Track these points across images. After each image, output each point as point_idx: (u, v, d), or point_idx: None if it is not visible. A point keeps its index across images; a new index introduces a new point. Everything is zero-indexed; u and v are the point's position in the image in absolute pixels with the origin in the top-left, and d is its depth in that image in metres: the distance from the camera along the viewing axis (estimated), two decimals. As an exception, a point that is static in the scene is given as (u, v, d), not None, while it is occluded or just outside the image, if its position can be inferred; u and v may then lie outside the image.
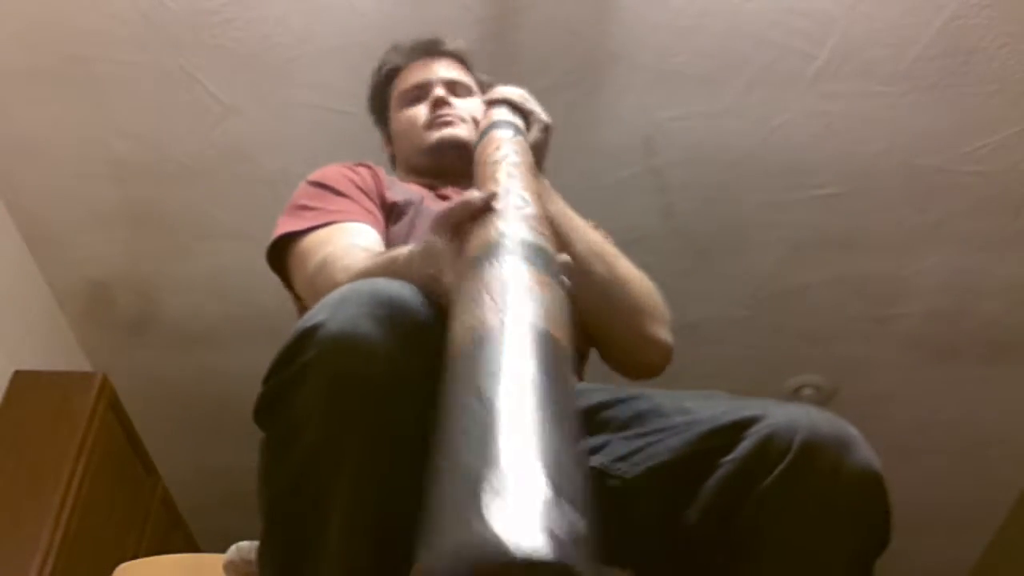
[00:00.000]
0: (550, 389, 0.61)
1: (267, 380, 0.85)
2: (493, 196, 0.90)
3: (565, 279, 0.82)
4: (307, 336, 0.81)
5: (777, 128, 2.07)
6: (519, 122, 1.18)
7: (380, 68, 1.51)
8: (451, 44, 1.48)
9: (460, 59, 1.48)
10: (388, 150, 1.52)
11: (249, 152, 2.13)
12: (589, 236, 1.24)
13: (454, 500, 0.52)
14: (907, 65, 1.94)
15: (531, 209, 0.89)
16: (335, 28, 1.93)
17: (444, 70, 1.44)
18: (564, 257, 0.88)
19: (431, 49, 1.47)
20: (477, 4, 1.84)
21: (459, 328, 0.70)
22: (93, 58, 1.96)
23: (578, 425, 0.62)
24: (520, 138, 1.13)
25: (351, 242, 1.14)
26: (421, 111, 1.39)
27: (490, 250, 0.79)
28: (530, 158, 1.10)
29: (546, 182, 1.27)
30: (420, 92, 1.42)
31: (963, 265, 2.31)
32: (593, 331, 1.27)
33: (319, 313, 0.82)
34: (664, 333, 1.25)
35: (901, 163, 2.11)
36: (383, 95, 1.50)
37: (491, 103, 1.21)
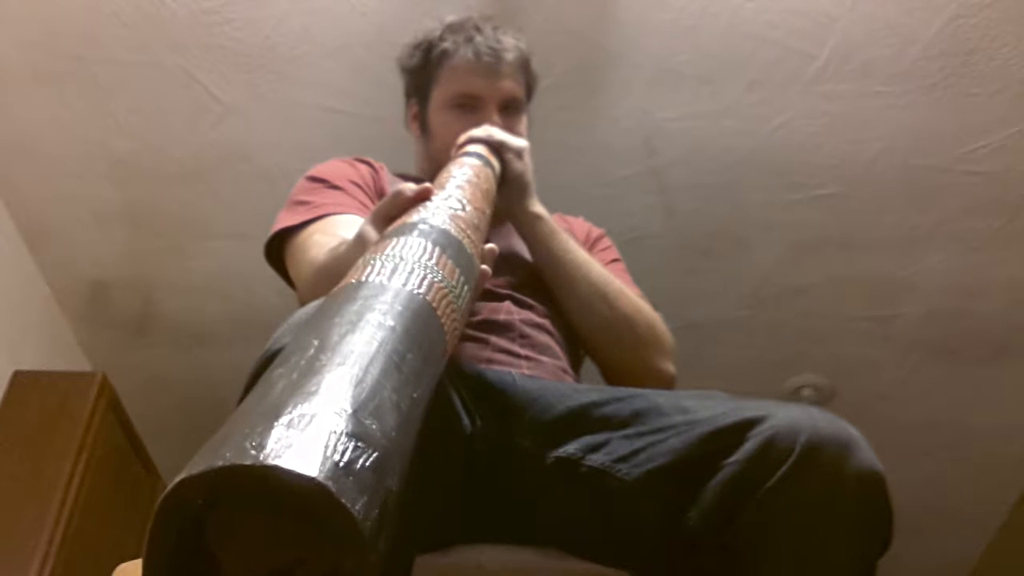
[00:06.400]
0: (398, 348, 0.58)
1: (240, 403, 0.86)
2: (427, 191, 0.91)
3: (476, 282, 0.83)
4: (273, 359, 0.82)
5: (777, 128, 2.07)
6: (492, 159, 1.18)
7: (432, 45, 1.39)
8: (513, 51, 1.37)
9: (521, 66, 1.39)
10: (414, 127, 1.45)
11: (249, 152, 2.13)
12: (592, 276, 1.25)
13: (247, 415, 0.50)
14: (907, 65, 1.94)
15: (465, 214, 0.89)
16: (335, 28, 1.92)
17: (503, 83, 1.35)
18: (486, 269, 0.89)
19: (494, 60, 1.35)
20: (477, 4, 1.84)
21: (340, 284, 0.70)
22: (93, 58, 1.96)
23: (426, 394, 0.60)
24: (487, 169, 1.13)
25: (333, 233, 1.15)
26: (465, 124, 1.27)
27: (404, 228, 0.80)
28: (490, 186, 1.10)
29: (547, 216, 1.27)
30: (471, 102, 1.34)
31: (963, 265, 2.31)
32: (598, 363, 1.30)
33: (284, 335, 0.82)
34: (667, 364, 1.27)
35: (901, 163, 2.11)
36: (428, 71, 1.39)
37: (461, 146, 1.19)
